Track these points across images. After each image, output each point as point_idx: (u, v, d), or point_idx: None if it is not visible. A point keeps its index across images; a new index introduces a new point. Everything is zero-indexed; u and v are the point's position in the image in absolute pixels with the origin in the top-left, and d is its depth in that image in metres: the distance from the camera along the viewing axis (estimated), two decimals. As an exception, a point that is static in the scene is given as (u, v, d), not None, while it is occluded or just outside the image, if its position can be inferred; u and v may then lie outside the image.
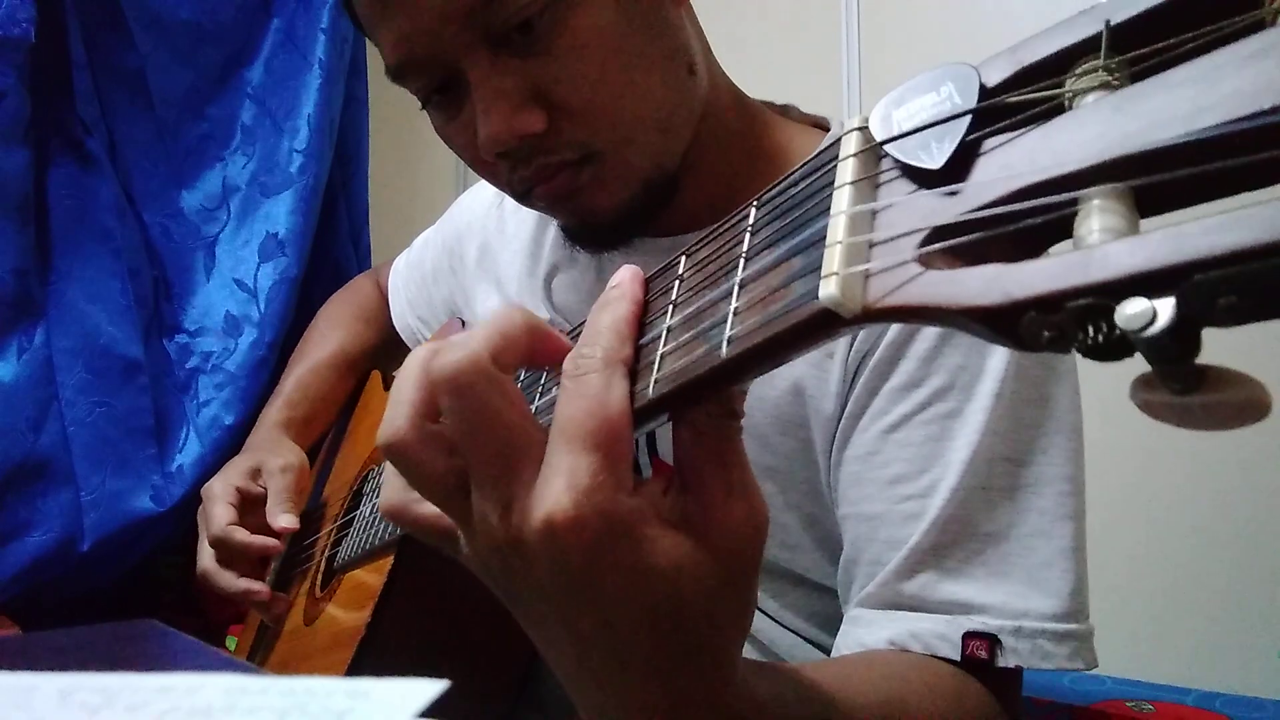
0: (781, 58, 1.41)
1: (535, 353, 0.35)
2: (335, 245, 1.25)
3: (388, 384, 0.94)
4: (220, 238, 1.14)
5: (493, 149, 0.58)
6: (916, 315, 0.23)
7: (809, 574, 0.64)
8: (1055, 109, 0.22)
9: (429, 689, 0.25)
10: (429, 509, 0.37)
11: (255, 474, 0.86)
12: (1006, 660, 0.53)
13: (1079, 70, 0.22)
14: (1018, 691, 0.57)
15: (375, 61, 1.32)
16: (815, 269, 0.26)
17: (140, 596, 1.08)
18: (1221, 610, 1.00)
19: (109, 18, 1.05)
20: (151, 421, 1.03)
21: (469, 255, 0.88)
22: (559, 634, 0.34)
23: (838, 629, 0.64)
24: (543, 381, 0.41)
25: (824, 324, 0.26)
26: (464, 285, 0.89)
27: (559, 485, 0.31)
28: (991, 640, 0.53)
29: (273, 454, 0.88)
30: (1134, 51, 0.21)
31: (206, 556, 0.81)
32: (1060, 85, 0.22)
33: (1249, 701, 0.96)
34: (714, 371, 0.29)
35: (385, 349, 1.03)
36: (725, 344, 0.29)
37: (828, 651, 0.64)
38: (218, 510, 0.81)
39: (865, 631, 0.56)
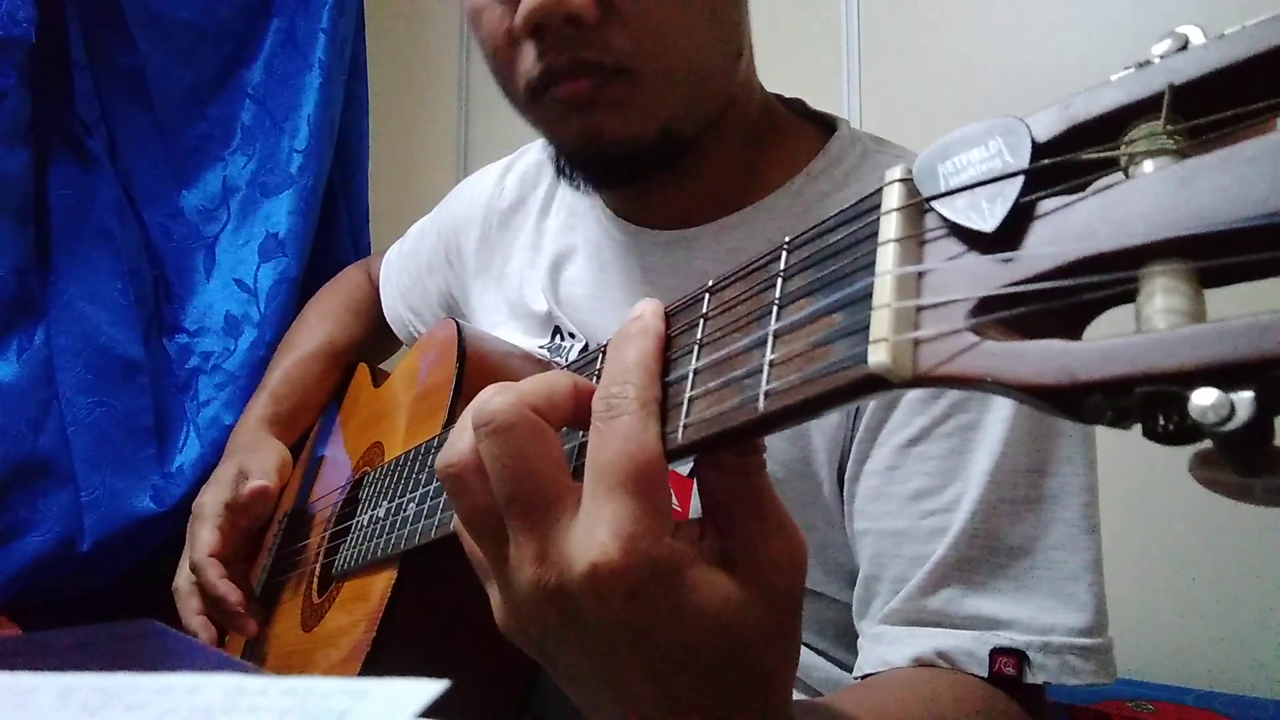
0: (781, 58, 1.41)
1: (579, 414, 0.34)
2: (335, 245, 1.24)
3: (376, 379, 0.93)
4: (220, 238, 1.14)
5: (534, 18, 0.56)
6: (970, 385, 0.23)
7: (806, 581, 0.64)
8: (1112, 172, 0.21)
9: (428, 689, 0.25)
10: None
11: (241, 479, 0.85)
12: (1035, 677, 0.52)
13: (1136, 133, 0.21)
14: (1045, 705, 0.57)
15: (375, 61, 1.31)
16: (860, 329, 0.25)
17: (140, 596, 1.07)
18: (1221, 610, 1.00)
19: (109, 18, 1.05)
20: (151, 421, 1.03)
21: (466, 248, 0.87)
22: (600, 687, 0.33)
23: (829, 634, 0.63)
24: None
25: (870, 388, 0.25)
26: (461, 278, 0.88)
27: (603, 533, 0.30)
28: (1019, 656, 0.52)
29: (255, 459, 0.87)
30: (1198, 119, 0.20)
31: (183, 576, 0.81)
32: (1115, 147, 0.21)
33: (1249, 701, 0.96)
34: (750, 424, 0.29)
35: (374, 341, 1.02)
36: (763, 398, 0.28)
37: (819, 652, 0.64)
38: (204, 534, 0.81)
39: (889, 649, 0.55)
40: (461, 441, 0.34)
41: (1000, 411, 0.56)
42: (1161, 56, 0.21)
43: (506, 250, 0.83)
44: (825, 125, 0.70)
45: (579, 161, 0.64)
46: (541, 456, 0.32)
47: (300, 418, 0.96)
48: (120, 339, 1.01)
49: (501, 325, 0.80)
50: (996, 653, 0.52)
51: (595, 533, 0.30)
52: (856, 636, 0.62)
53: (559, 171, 0.68)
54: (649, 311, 0.35)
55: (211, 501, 0.83)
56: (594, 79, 0.58)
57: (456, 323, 0.71)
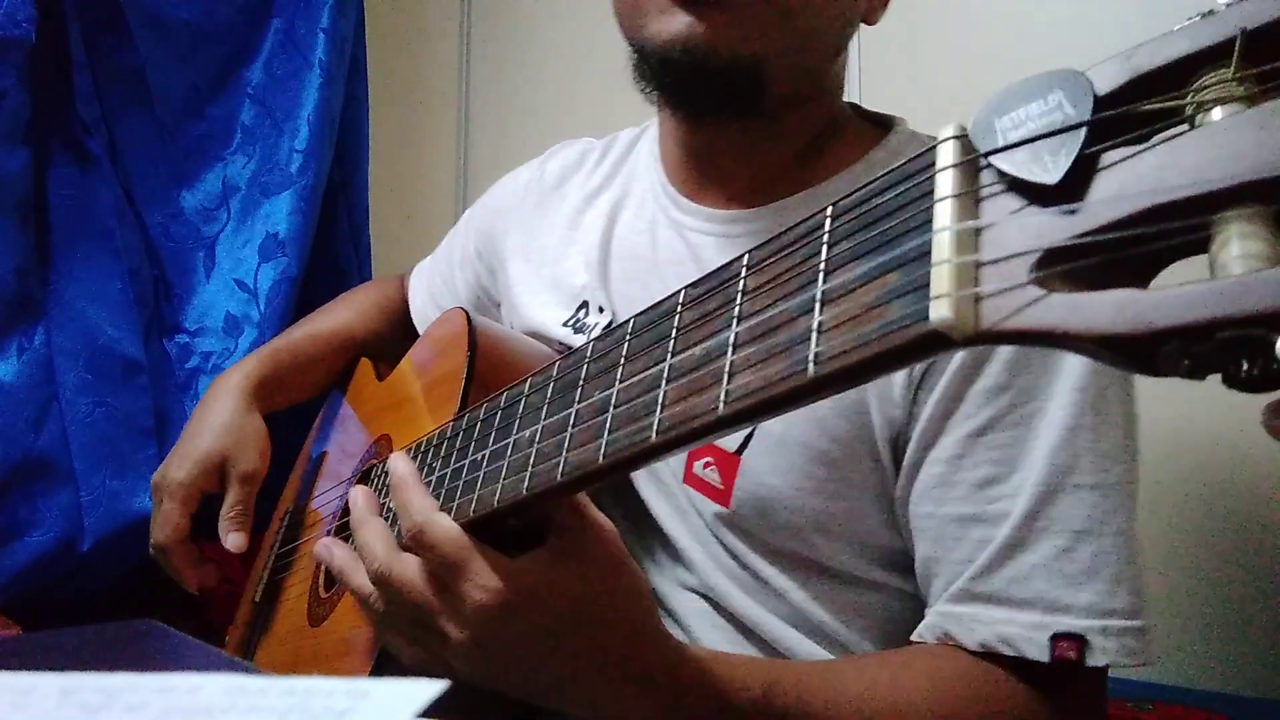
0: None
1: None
2: (335, 245, 1.25)
3: (380, 373, 0.93)
4: (220, 238, 1.14)
5: None
6: (1037, 339, 0.22)
7: (843, 566, 0.64)
8: (1176, 122, 0.21)
9: (429, 689, 0.25)
10: None
11: (218, 470, 0.82)
12: (1095, 660, 0.53)
13: (1203, 81, 0.21)
14: (1104, 691, 0.57)
15: (375, 61, 1.30)
16: (919, 287, 0.24)
17: (140, 596, 1.07)
18: (1221, 610, 1.00)
19: (109, 18, 1.05)
20: (151, 422, 1.03)
21: (499, 232, 0.89)
22: (530, 674, 0.50)
23: (868, 623, 0.64)
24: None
25: (930, 346, 0.24)
26: (491, 265, 0.90)
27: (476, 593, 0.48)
28: (1080, 641, 0.53)
29: (239, 448, 0.84)
30: (1269, 64, 0.20)
31: (160, 530, 0.81)
32: (1181, 96, 0.21)
33: (1249, 701, 0.96)
34: (799, 390, 0.28)
35: (391, 342, 1.01)
36: (812, 362, 0.27)
37: (830, 634, 0.64)
38: (174, 516, 0.80)
39: (956, 628, 0.57)
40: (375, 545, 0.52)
41: (1062, 398, 0.57)
42: (1228, 4, 0.21)
43: (542, 226, 0.84)
44: (883, 125, 0.72)
45: (665, 66, 0.63)
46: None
47: (291, 389, 0.94)
48: (120, 339, 1.01)
49: (532, 298, 0.81)
50: (1057, 638, 0.53)
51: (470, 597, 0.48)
52: (877, 621, 0.64)
53: (637, 72, 0.67)
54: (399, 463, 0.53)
55: (187, 480, 0.81)
56: None
57: (465, 312, 0.72)
